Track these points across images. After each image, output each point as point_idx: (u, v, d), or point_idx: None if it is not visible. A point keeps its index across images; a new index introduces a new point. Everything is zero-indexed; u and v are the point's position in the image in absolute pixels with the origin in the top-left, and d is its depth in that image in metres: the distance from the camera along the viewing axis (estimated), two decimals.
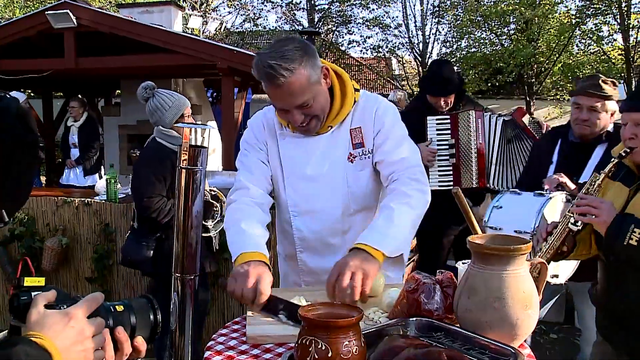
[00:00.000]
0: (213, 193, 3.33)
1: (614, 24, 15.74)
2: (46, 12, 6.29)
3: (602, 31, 16.20)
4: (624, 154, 1.92)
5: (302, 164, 1.97)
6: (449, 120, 3.47)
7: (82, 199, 4.37)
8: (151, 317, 1.08)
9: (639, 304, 1.90)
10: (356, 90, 1.98)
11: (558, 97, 19.62)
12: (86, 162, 7.11)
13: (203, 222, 3.28)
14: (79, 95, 8.70)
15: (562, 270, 2.43)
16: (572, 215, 1.96)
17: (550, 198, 2.45)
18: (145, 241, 3.30)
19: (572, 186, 2.54)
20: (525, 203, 2.54)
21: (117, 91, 10.33)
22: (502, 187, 3.08)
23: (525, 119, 3.25)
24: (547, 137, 3.18)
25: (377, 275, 1.69)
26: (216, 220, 3.33)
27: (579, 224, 1.94)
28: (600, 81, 2.69)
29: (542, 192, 2.50)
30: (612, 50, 17.03)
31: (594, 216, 1.88)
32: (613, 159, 1.96)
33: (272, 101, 1.87)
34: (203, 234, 3.30)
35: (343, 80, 1.96)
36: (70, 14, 6.19)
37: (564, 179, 2.55)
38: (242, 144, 2.09)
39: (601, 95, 2.66)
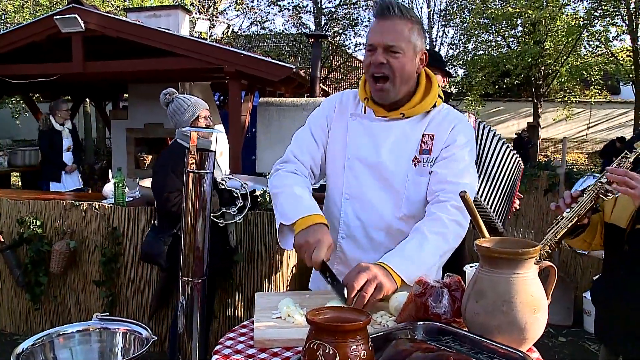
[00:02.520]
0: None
1: (622, 25, 15.67)
2: (54, 17, 6.33)
3: (610, 32, 16.15)
4: None
5: (367, 149, 1.96)
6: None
7: (90, 203, 4.39)
8: None
9: None
10: (440, 97, 1.98)
11: (566, 99, 19.57)
12: (83, 164, 6.92)
13: (225, 210, 3.35)
14: (65, 97, 8.65)
15: None
16: (603, 184, 1.87)
17: None
18: (163, 237, 3.45)
19: None
20: None
21: (125, 95, 10.38)
22: (480, 196, 2.98)
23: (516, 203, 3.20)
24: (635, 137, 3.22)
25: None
26: (238, 207, 3.38)
27: (609, 195, 1.85)
28: None
29: None
30: (620, 51, 16.96)
31: (629, 188, 1.77)
32: None
33: (369, 39, 1.89)
34: (227, 222, 3.37)
35: (431, 83, 1.98)
36: (79, 18, 6.23)
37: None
38: (308, 118, 2.13)
39: None
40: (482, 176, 2.91)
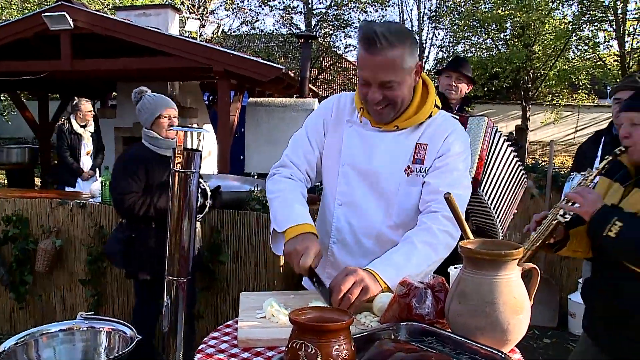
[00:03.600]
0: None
1: (610, 31, 15.83)
2: (43, 14, 6.29)
3: (598, 37, 16.31)
4: (618, 152, 1.94)
5: (360, 157, 1.95)
6: (457, 120, 3.40)
7: (77, 201, 4.36)
8: None
9: (621, 303, 1.91)
10: (437, 107, 1.96)
11: (554, 102, 19.71)
12: (99, 168, 6.59)
13: None
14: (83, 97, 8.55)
15: None
16: (560, 207, 1.94)
17: None
18: (120, 236, 3.43)
19: None
20: None
21: (114, 93, 10.32)
22: (488, 198, 3.02)
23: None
24: (590, 139, 3.44)
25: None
26: (198, 206, 3.30)
27: (567, 216, 1.92)
28: (637, 77, 3.12)
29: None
30: (608, 56, 17.12)
31: (578, 205, 1.88)
32: (607, 157, 1.98)
33: (360, 71, 1.83)
34: None
35: (427, 90, 1.95)
36: (67, 16, 6.19)
37: None
38: (305, 121, 2.13)
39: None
40: (491, 182, 2.96)
